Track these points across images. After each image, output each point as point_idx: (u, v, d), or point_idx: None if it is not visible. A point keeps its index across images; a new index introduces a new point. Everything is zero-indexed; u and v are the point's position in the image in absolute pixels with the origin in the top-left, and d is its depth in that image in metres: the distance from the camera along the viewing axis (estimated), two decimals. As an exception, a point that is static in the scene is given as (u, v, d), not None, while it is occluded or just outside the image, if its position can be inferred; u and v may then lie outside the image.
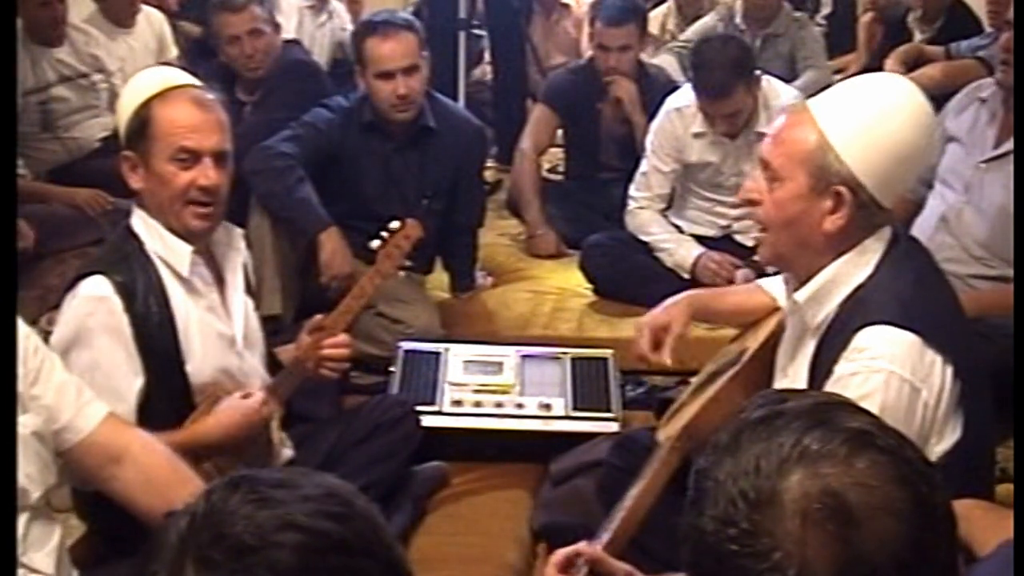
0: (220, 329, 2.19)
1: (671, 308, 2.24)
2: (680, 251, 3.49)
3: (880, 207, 1.77)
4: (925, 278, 1.81)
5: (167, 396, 2.10)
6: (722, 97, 3.36)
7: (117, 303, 2.04)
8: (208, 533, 0.90)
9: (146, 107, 2.12)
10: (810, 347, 1.83)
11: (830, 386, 1.70)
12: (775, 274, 2.16)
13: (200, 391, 2.15)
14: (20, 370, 1.72)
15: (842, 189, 1.74)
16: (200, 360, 2.14)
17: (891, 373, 1.67)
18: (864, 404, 1.28)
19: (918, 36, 4.52)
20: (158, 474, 1.84)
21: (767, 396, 1.03)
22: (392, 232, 2.49)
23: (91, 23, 4.44)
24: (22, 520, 1.70)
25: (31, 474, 1.72)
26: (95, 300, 2.04)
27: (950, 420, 1.74)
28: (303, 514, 0.91)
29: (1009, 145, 2.81)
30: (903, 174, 1.82)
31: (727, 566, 0.94)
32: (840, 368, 1.71)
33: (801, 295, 1.82)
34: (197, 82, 2.22)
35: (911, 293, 1.74)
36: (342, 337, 2.36)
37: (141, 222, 2.15)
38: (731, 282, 3.26)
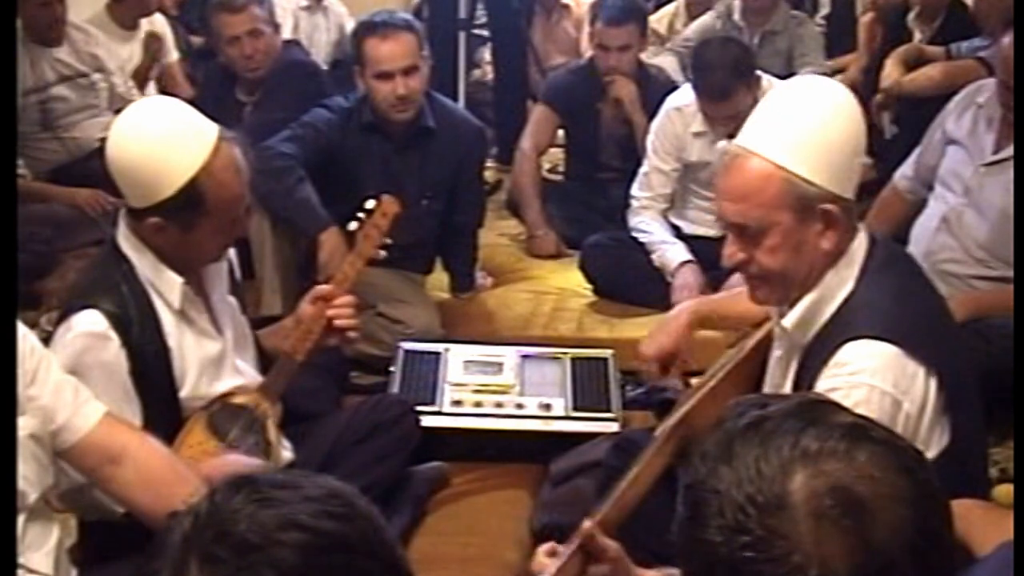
0: (212, 351, 2.16)
1: (674, 327, 2.27)
2: (668, 253, 3.47)
3: (852, 202, 1.79)
4: (907, 286, 1.81)
5: (159, 421, 2.06)
6: (723, 99, 3.36)
7: (114, 339, 2.00)
8: (212, 531, 0.91)
9: (193, 184, 1.99)
10: (795, 363, 1.83)
11: None
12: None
13: (190, 412, 2.13)
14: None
15: (827, 206, 1.74)
16: (193, 386, 2.12)
17: (872, 387, 1.67)
18: None
19: (918, 36, 4.51)
20: (157, 474, 1.84)
21: (744, 403, 1.03)
22: (369, 212, 2.41)
23: (93, 23, 4.43)
24: (19, 521, 1.70)
25: (28, 477, 1.71)
26: (91, 336, 1.99)
27: (936, 429, 1.74)
28: (306, 514, 0.91)
29: (1008, 151, 2.81)
30: (857, 163, 1.82)
31: (744, 574, 0.93)
32: (821, 383, 1.71)
33: (788, 321, 1.82)
34: (217, 126, 2.07)
35: (892, 304, 1.74)
36: (347, 297, 2.30)
37: (131, 246, 2.08)
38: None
